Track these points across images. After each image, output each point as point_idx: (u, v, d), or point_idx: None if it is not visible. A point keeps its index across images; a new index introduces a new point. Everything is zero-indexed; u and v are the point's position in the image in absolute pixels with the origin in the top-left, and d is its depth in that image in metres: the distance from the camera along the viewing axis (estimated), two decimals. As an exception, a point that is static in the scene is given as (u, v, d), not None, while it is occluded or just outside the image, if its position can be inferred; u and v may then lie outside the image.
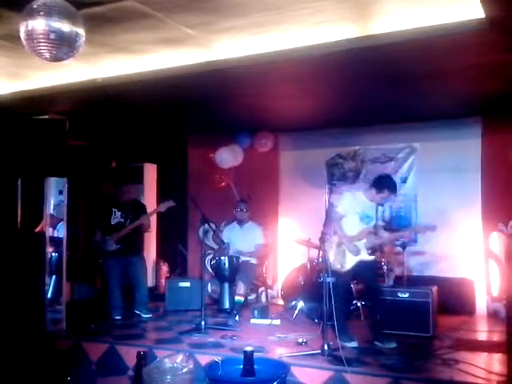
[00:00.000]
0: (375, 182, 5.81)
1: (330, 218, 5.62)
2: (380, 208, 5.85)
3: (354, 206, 5.74)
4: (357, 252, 5.64)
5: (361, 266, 5.67)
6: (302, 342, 5.65)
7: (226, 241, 7.92)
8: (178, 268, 9.36)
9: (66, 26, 3.71)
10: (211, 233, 7.97)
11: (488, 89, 6.23)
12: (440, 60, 5.21)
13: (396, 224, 8.10)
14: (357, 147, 8.66)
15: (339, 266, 5.63)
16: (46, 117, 6.95)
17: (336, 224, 5.73)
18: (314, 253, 7.10)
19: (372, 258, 5.80)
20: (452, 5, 4.27)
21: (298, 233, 8.37)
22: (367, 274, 5.80)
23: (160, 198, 9.26)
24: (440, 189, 7.89)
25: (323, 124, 8.24)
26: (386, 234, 5.91)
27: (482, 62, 5.26)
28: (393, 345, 5.56)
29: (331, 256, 5.70)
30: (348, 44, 4.91)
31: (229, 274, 7.30)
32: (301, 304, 7.03)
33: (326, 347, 5.11)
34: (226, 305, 7.25)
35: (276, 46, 5.16)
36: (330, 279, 5.30)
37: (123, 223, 7.15)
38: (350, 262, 5.65)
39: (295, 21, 4.65)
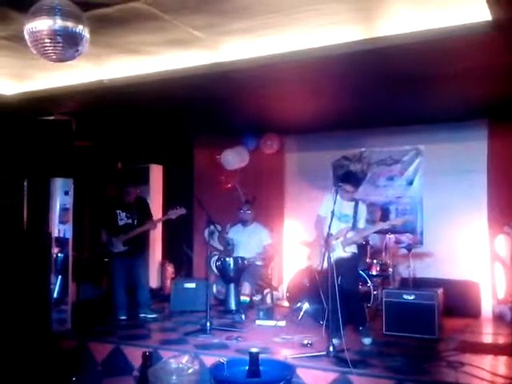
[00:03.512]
0: (340, 179, 6.05)
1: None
2: (362, 207, 6.01)
3: (331, 206, 5.80)
4: (331, 249, 5.68)
5: (339, 264, 5.67)
6: (307, 343, 5.64)
7: (231, 242, 7.93)
8: (184, 269, 9.36)
9: (70, 27, 3.73)
10: (217, 234, 7.99)
11: (494, 91, 6.22)
12: (446, 62, 5.20)
13: (401, 226, 8.08)
14: (362, 149, 8.68)
15: (317, 265, 5.68)
16: (53, 118, 6.97)
17: (319, 226, 5.88)
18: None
19: (347, 254, 5.87)
20: (458, 7, 4.26)
21: (304, 234, 8.36)
22: (343, 271, 5.73)
23: (166, 199, 9.28)
24: (446, 191, 7.89)
25: (329, 126, 8.24)
26: (363, 230, 5.99)
27: (488, 64, 5.25)
28: (369, 341, 5.76)
29: (313, 257, 5.95)
30: (354, 46, 4.91)
31: (234, 275, 7.31)
32: (306, 305, 7.03)
33: (331, 349, 5.12)
34: (232, 306, 7.27)
35: (282, 47, 5.16)
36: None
37: (131, 224, 7.17)
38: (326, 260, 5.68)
39: (301, 23, 4.65)
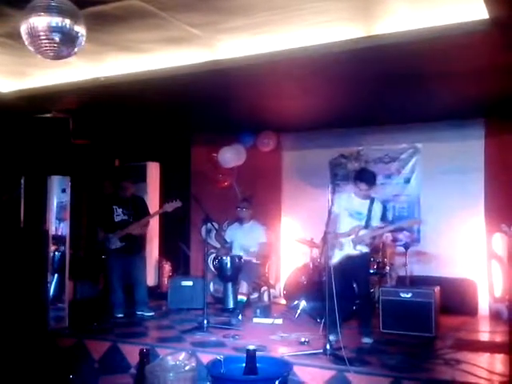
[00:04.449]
0: (354, 177, 6.01)
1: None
2: (378, 205, 5.95)
3: (345, 204, 5.84)
4: (340, 246, 5.69)
5: (349, 262, 5.66)
6: (304, 341, 5.65)
7: (228, 240, 7.93)
8: (181, 267, 9.36)
9: (67, 24, 3.72)
10: (214, 232, 7.97)
11: (491, 90, 6.22)
12: (443, 61, 5.20)
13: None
14: (360, 147, 8.68)
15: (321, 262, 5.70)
16: (50, 115, 6.96)
17: (331, 222, 5.82)
18: (317, 252, 7.10)
19: (357, 252, 5.83)
20: (455, 5, 4.26)
21: (301, 232, 8.36)
22: (354, 269, 5.77)
23: (163, 197, 9.27)
24: (443, 189, 7.90)
25: (326, 124, 8.24)
26: (374, 229, 5.93)
27: (486, 63, 5.26)
28: (370, 340, 5.74)
29: (320, 253, 5.90)
30: (351, 44, 4.91)
31: (231, 274, 7.30)
32: (303, 303, 7.04)
33: (328, 347, 5.12)
34: (229, 304, 7.26)
35: (280, 45, 5.15)
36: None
37: (127, 220, 7.19)
38: (336, 256, 5.72)
39: (299, 20, 4.65)
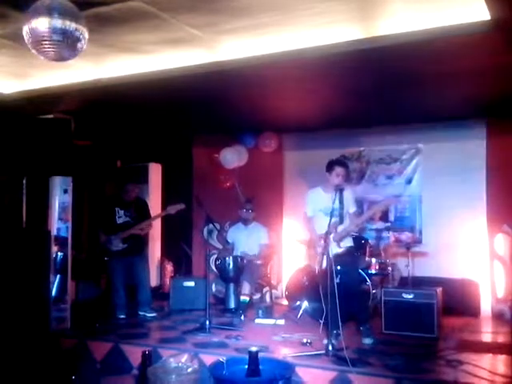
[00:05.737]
0: (328, 167, 5.89)
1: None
2: (348, 193, 5.75)
3: (317, 203, 5.76)
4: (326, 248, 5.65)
5: (336, 261, 5.55)
6: (307, 342, 5.64)
7: (230, 241, 7.93)
8: (183, 267, 9.37)
9: (68, 26, 3.73)
10: (215, 233, 7.98)
11: (493, 90, 6.22)
12: (444, 62, 5.20)
13: (400, 225, 8.10)
14: (361, 148, 8.68)
15: (318, 266, 5.63)
16: (51, 116, 6.96)
17: (308, 225, 5.82)
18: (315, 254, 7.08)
19: (343, 249, 5.75)
20: (457, 6, 4.26)
21: (302, 233, 8.34)
22: (343, 269, 5.62)
23: (165, 198, 9.28)
24: (445, 190, 7.89)
25: (328, 125, 8.23)
26: (351, 220, 5.81)
27: (487, 64, 5.25)
28: (370, 341, 5.69)
29: (310, 257, 5.96)
30: (352, 45, 4.91)
31: (234, 275, 7.31)
32: (305, 304, 7.04)
33: (330, 347, 5.11)
34: (231, 305, 7.28)
35: (281, 46, 5.16)
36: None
37: (130, 222, 7.18)
38: (325, 260, 5.52)
39: (300, 22, 4.65)
